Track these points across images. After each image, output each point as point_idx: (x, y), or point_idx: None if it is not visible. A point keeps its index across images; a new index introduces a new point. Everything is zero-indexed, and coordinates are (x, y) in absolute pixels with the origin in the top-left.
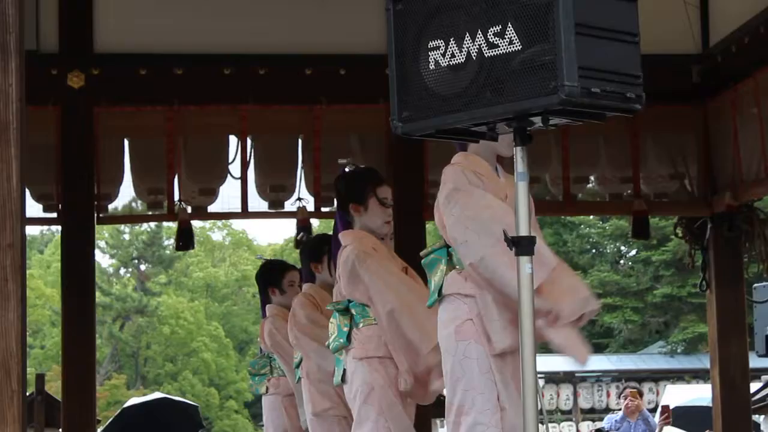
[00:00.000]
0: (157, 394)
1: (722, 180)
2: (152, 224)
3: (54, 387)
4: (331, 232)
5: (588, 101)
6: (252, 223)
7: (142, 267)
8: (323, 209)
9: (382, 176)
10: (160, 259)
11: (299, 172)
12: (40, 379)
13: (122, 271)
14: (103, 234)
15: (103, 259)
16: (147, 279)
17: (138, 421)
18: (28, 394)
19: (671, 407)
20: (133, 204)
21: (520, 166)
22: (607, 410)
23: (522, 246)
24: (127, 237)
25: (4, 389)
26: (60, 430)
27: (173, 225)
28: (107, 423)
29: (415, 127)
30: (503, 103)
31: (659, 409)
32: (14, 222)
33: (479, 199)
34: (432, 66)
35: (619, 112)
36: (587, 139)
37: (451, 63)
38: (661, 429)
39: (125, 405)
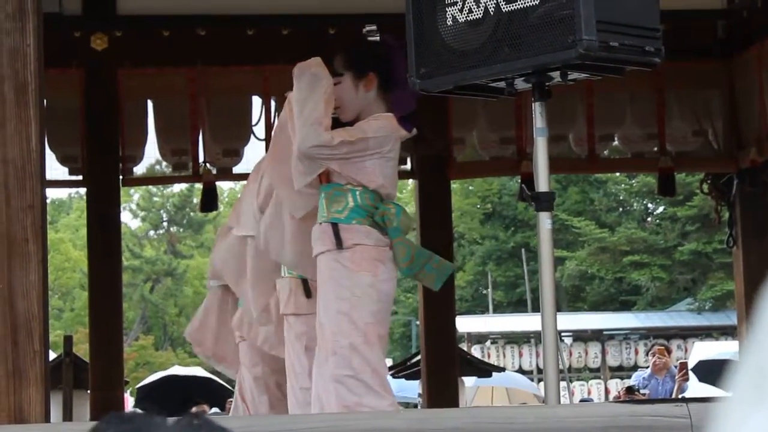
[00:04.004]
0: (172, 370)
1: (748, 135)
2: (183, 187)
3: (83, 349)
4: None
5: (606, 55)
6: None
7: (173, 230)
8: None
9: None
10: (190, 223)
11: None
12: (68, 340)
13: (152, 233)
14: (133, 197)
15: (133, 222)
16: (177, 242)
17: (154, 398)
18: (56, 356)
19: (698, 361)
20: (158, 166)
21: (539, 121)
22: (635, 368)
23: (541, 201)
24: (157, 200)
25: (27, 350)
26: (88, 391)
27: None
28: (138, 396)
29: (433, 83)
30: (521, 58)
31: (678, 366)
32: (34, 183)
33: None
34: (449, 22)
35: (639, 66)
36: (612, 97)
37: (468, 18)
38: (679, 386)
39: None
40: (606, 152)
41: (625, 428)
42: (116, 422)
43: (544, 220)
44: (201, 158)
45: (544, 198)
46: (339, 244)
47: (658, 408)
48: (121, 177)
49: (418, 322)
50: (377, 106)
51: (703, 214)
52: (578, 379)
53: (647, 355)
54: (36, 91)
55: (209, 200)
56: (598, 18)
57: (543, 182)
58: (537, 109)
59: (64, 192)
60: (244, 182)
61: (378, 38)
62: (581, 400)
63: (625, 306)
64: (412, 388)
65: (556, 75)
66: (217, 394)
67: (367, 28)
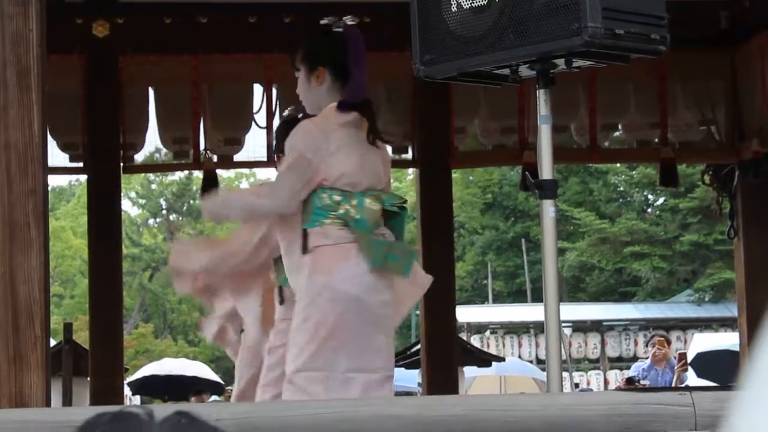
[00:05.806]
0: (152, 368)
1: (750, 126)
2: (182, 175)
3: (83, 336)
4: None
5: (612, 43)
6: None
7: (172, 218)
8: None
9: None
10: (189, 210)
11: None
12: (68, 327)
13: (151, 221)
14: (132, 185)
15: (132, 210)
16: (176, 230)
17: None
18: (56, 342)
19: (696, 354)
20: (158, 153)
21: (543, 108)
22: (635, 359)
23: (545, 189)
24: (156, 188)
25: (28, 335)
26: (88, 378)
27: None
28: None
29: (437, 70)
30: (526, 45)
31: (677, 357)
32: (36, 168)
33: None
34: (454, 8)
35: (644, 54)
36: (614, 87)
37: (473, 5)
38: (678, 376)
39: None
40: (607, 142)
41: (628, 416)
42: (104, 421)
43: (548, 209)
44: (202, 146)
45: (548, 186)
46: (304, 249)
47: (661, 396)
48: (121, 164)
49: (417, 312)
50: (331, 98)
51: (704, 206)
52: (577, 370)
53: (647, 346)
54: (38, 76)
55: (210, 188)
56: (604, 5)
57: (547, 170)
58: (541, 97)
59: (64, 179)
60: (245, 170)
61: (341, 29)
62: (580, 391)
63: (625, 297)
64: (411, 378)
65: (560, 62)
66: (205, 386)
67: (325, 21)
